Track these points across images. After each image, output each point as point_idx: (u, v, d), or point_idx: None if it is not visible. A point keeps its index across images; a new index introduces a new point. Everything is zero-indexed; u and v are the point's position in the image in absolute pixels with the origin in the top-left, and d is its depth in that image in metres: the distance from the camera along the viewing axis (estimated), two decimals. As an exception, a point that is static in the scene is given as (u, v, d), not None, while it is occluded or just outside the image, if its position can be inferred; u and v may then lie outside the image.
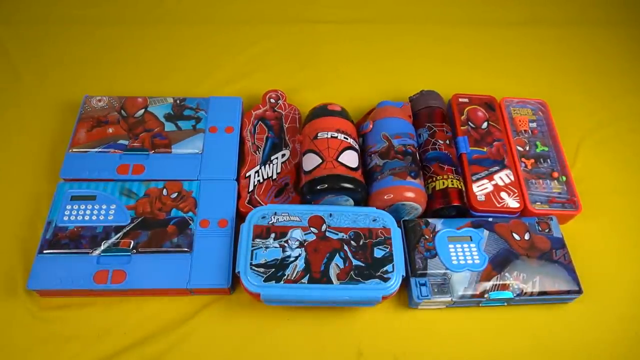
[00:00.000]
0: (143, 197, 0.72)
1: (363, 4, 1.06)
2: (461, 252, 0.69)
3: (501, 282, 0.67)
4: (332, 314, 0.69)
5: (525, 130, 0.83)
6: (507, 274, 0.68)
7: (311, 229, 0.67)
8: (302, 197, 0.71)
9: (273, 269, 0.63)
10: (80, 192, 0.72)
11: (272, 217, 0.68)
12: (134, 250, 0.68)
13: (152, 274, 0.66)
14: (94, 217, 0.70)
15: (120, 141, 0.78)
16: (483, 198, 0.74)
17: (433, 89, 0.84)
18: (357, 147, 0.74)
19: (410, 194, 0.70)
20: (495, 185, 0.75)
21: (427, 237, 0.70)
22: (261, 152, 0.79)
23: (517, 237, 0.71)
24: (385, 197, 0.70)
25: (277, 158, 0.78)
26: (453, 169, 0.75)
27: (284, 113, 0.83)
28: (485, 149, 0.79)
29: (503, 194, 0.75)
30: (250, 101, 0.87)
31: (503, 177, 0.76)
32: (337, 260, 0.65)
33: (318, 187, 0.68)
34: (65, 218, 0.70)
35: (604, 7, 1.09)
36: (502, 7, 1.08)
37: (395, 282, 0.64)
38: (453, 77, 0.95)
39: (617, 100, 0.94)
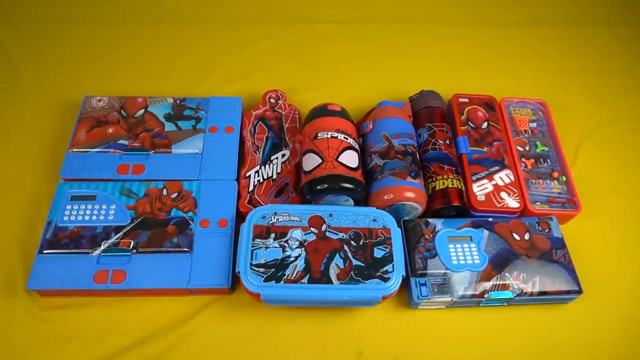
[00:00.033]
0: (143, 197, 0.72)
1: (363, 4, 1.06)
2: (461, 252, 0.69)
3: (501, 282, 0.67)
4: (332, 314, 0.69)
5: (525, 130, 0.83)
6: (507, 274, 0.68)
7: (311, 229, 0.67)
8: (302, 197, 0.71)
9: (273, 269, 0.63)
10: (80, 192, 0.72)
11: (272, 217, 0.68)
12: (134, 250, 0.68)
13: (152, 274, 0.66)
14: (94, 217, 0.70)
15: (120, 141, 0.78)
16: (483, 198, 0.74)
17: (433, 89, 0.84)
18: (357, 147, 0.74)
19: (410, 194, 0.70)
20: (495, 185, 0.75)
21: (427, 237, 0.70)
22: (261, 152, 0.79)
23: (517, 237, 0.71)
24: (385, 197, 0.70)
25: (277, 158, 0.78)
26: (453, 169, 0.75)
27: (284, 113, 0.83)
28: (485, 149, 0.79)
29: (503, 194, 0.75)
30: (250, 101, 0.87)
31: (503, 177, 0.76)
32: (337, 260, 0.65)
33: (318, 187, 0.68)
34: (65, 218, 0.70)
35: (604, 7, 1.09)
36: (502, 7, 1.08)
37: (395, 282, 0.64)
38: (453, 77, 0.95)
39: (617, 100, 0.95)
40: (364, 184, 0.71)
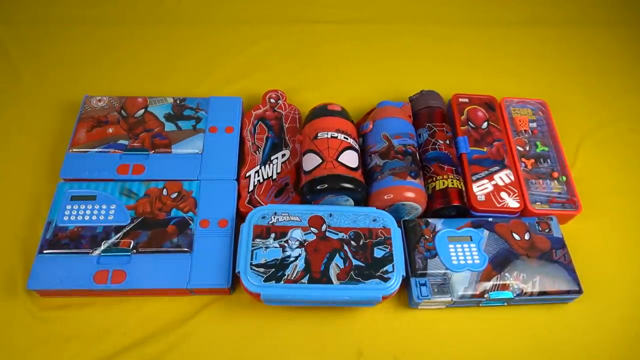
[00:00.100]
0: (143, 197, 0.72)
1: (363, 4, 1.06)
2: (461, 252, 0.69)
3: (501, 282, 0.67)
4: (332, 314, 0.69)
5: (525, 130, 0.83)
6: (507, 274, 0.68)
7: (311, 229, 0.67)
8: (302, 197, 0.71)
9: (273, 269, 0.63)
10: (80, 192, 0.72)
11: (272, 217, 0.68)
12: (134, 250, 0.68)
13: (152, 274, 0.66)
14: (94, 217, 0.70)
15: (120, 141, 0.78)
16: (483, 198, 0.74)
17: (433, 89, 0.84)
18: (357, 147, 0.74)
19: (410, 194, 0.70)
20: (495, 185, 0.75)
21: (427, 237, 0.70)
22: (261, 152, 0.79)
23: (517, 237, 0.71)
24: (385, 197, 0.70)
25: (277, 158, 0.78)
26: (453, 169, 0.75)
27: (284, 113, 0.83)
28: (485, 149, 0.79)
29: (503, 194, 0.75)
30: (250, 101, 0.87)
31: (503, 177, 0.76)
32: (337, 260, 0.65)
33: (318, 187, 0.68)
34: (65, 218, 0.70)
35: (604, 7, 1.09)
36: (502, 7, 1.08)
37: (395, 282, 0.64)
38: (453, 77, 0.95)
39: (617, 100, 0.95)
40: (364, 184, 0.71)
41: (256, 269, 0.63)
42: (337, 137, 0.72)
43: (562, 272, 0.69)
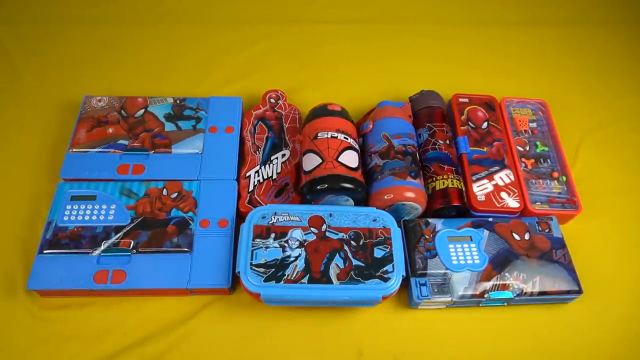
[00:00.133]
0: (143, 197, 0.72)
1: (363, 4, 1.06)
2: (461, 252, 0.69)
3: (501, 282, 0.67)
4: (332, 314, 0.69)
5: (525, 130, 0.83)
6: (507, 274, 0.68)
7: (311, 229, 0.67)
8: (302, 197, 0.71)
9: (273, 269, 0.63)
10: (80, 192, 0.72)
11: (272, 217, 0.68)
12: (134, 250, 0.68)
13: (152, 274, 0.66)
14: (94, 217, 0.70)
15: (120, 141, 0.78)
16: (483, 198, 0.74)
17: (433, 89, 0.84)
18: (357, 147, 0.74)
19: (410, 194, 0.70)
20: (495, 185, 0.75)
21: (427, 237, 0.70)
22: (261, 152, 0.79)
23: (517, 237, 0.71)
24: (385, 197, 0.70)
25: (277, 158, 0.78)
26: (453, 169, 0.75)
27: (284, 113, 0.83)
28: (485, 149, 0.79)
29: (503, 194, 0.75)
30: (250, 101, 0.87)
31: (503, 177, 0.76)
32: (337, 260, 0.65)
33: (318, 187, 0.68)
34: (65, 218, 0.70)
35: (604, 7, 1.09)
36: (502, 7, 1.08)
37: (395, 282, 0.64)
38: (453, 77, 0.95)
39: (617, 100, 0.95)
40: (364, 184, 0.71)
41: (256, 269, 0.63)
42: (337, 137, 0.72)
43: (562, 272, 0.69)
